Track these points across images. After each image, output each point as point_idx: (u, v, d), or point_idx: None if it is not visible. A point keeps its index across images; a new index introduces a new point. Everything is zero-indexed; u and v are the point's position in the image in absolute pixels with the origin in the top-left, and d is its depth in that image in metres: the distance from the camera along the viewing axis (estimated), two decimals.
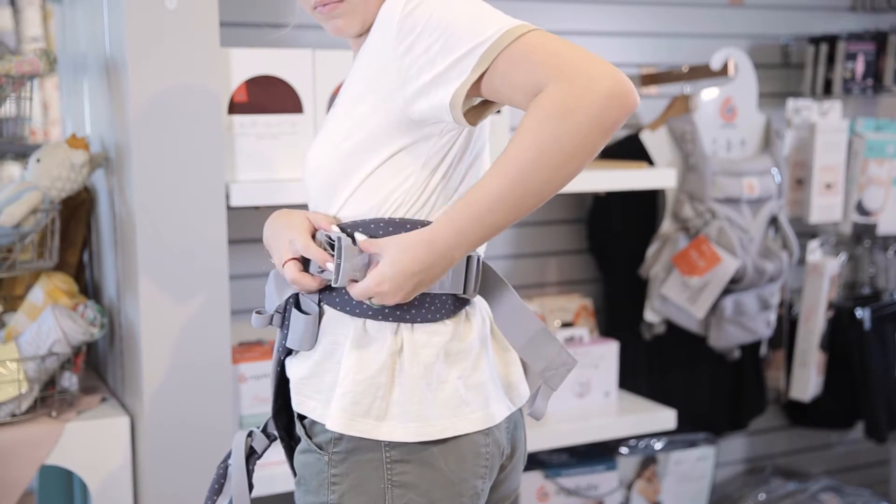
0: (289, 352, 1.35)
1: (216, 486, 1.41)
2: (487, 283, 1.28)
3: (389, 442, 1.22)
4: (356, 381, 1.22)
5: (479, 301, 1.31)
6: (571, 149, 1.09)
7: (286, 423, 1.40)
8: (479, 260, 1.26)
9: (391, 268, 1.17)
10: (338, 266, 1.20)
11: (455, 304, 1.26)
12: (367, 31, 1.27)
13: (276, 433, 1.40)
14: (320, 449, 1.26)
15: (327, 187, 1.27)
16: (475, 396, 1.26)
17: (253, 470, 1.40)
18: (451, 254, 1.16)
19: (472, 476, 1.26)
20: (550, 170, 1.11)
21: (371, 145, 1.22)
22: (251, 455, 1.40)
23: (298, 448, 1.31)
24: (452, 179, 1.25)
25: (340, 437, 1.23)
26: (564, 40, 1.11)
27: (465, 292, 1.25)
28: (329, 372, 1.27)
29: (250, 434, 1.40)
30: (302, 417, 1.31)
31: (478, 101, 1.21)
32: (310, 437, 1.28)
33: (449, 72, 1.14)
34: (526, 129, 1.10)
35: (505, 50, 1.11)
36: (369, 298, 1.19)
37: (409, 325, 1.23)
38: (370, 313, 1.23)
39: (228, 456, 1.42)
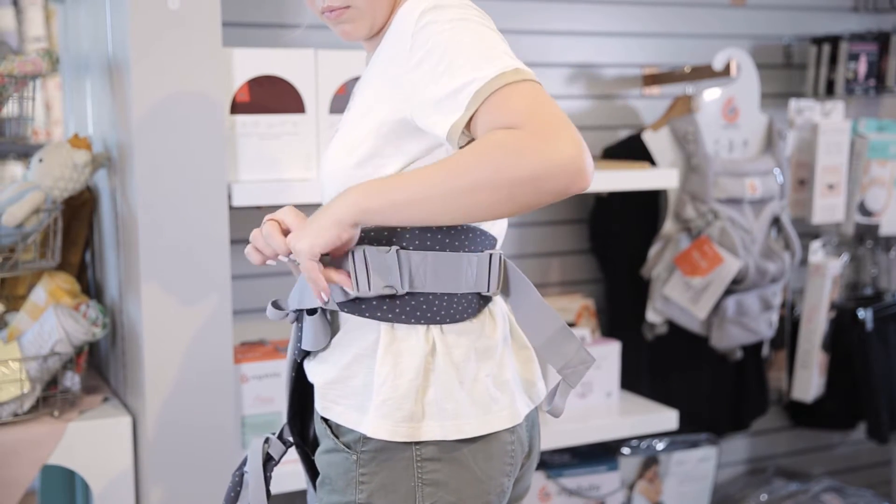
0: (305, 355, 1.34)
1: (232, 495, 1.40)
2: (509, 281, 1.29)
3: (420, 440, 1.22)
4: (395, 386, 1.21)
5: (498, 299, 1.31)
6: (505, 188, 1.09)
7: (300, 427, 1.40)
8: (500, 258, 1.27)
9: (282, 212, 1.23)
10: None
11: (479, 303, 1.27)
12: (380, 32, 1.28)
13: (291, 439, 1.39)
14: (348, 448, 1.25)
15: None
16: (503, 394, 1.27)
17: (270, 477, 1.39)
18: (334, 209, 1.16)
19: (499, 474, 1.27)
20: (470, 188, 1.11)
21: (387, 152, 1.22)
22: (268, 461, 1.39)
23: (322, 448, 1.30)
24: None
25: (370, 437, 1.23)
26: (552, 101, 1.12)
27: (487, 290, 1.26)
28: (356, 376, 1.26)
29: (266, 440, 1.39)
30: (326, 418, 1.30)
31: None
32: (336, 437, 1.27)
33: (446, 101, 1.14)
34: (476, 144, 1.11)
35: (496, 92, 1.11)
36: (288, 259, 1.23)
37: (438, 326, 1.24)
38: (402, 318, 1.22)
39: (244, 463, 1.41)
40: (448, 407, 1.22)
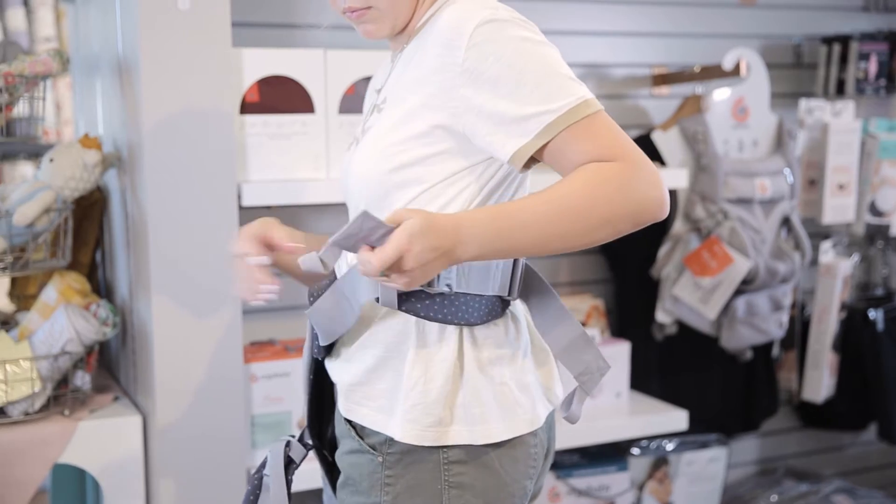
0: (326, 353, 1.33)
1: (251, 498, 1.39)
2: (530, 286, 1.30)
3: (448, 444, 1.22)
4: (426, 391, 1.21)
5: (518, 303, 1.31)
6: (613, 222, 1.14)
7: (318, 428, 1.40)
8: (523, 264, 1.28)
9: (416, 237, 1.07)
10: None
11: (501, 307, 1.27)
12: (405, 30, 1.27)
13: (311, 442, 1.39)
14: (373, 450, 1.24)
15: (378, 199, 1.25)
16: (525, 397, 1.27)
17: (291, 480, 1.38)
18: (458, 253, 1.11)
19: (523, 476, 1.27)
20: (584, 224, 1.13)
21: (429, 161, 1.21)
22: (289, 465, 1.39)
23: (345, 448, 1.29)
24: (505, 196, 1.26)
25: (397, 440, 1.23)
26: (625, 135, 1.16)
27: (509, 295, 1.26)
28: (383, 379, 1.25)
29: (287, 443, 1.39)
30: (350, 419, 1.29)
31: None
32: (361, 438, 1.26)
33: (512, 125, 1.15)
34: (586, 178, 1.13)
35: (575, 124, 1.13)
36: (385, 276, 1.09)
37: (468, 328, 1.23)
38: (434, 316, 1.21)
39: (263, 466, 1.40)
40: (476, 411, 1.22)
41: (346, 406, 1.28)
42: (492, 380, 1.24)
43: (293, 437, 1.40)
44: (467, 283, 1.21)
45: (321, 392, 1.38)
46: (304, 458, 1.39)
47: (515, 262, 1.26)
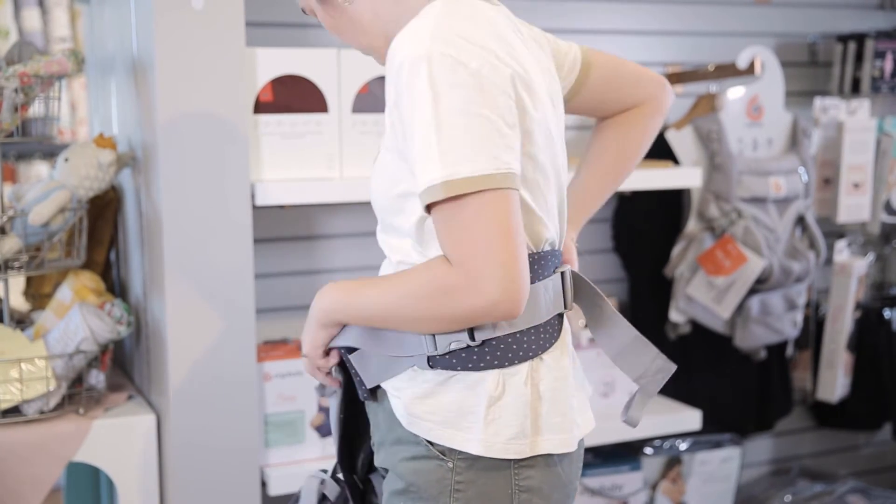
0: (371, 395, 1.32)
1: None
2: (581, 294, 1.30)
3: (518, 458, 1.21)
4: (503, 404, 1.20)
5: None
6: (443, 321, 1.15)
7: (349, 460, 1.39)
8: (571, 273, 1.28)
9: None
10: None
11: (559, 323, 1.27)
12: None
13: (343, 477, 1.39)
14: (443, 455, 1.22)
15: (391, 215, 1.25)
16: (581, 401, 1.29)
17: None
18: (318, 316, 1.27)
19: (576, 477, 1.29)
20: (410, 319, 1.17)
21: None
22: (322, 501, 1.39)
23: (405, 455, 1.25)
24: None
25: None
26: (498, 221, 1.09)
27: (565, 307, 1.27)
28: (450, 391, 1.22)
29: (322, 481, 1.39)
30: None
31: None
32: (430, 443, 1.22)
33: (415, 177, 1.13)
34: (422, 279, 1.15)
35: (444, 203, 1.09)
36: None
37: (532, 360, 1.22)
38: (495, 363, 1.20)
39: (296, 501, 1.40)
40: (555, 420, 1.22)
41: (409, 420, 1.24)
42: (565, 388, 1.24)
43: (325, 471, 1.40)
44: (516, 323, 1.20)
45: (351, 418, 1.37)
46: (338, 495, 1.39)
47: (563, 275, 1.26)
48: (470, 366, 1.20)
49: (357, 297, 1.22)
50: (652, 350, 1.28)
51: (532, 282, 1.21)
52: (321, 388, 1.39)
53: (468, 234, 1.09)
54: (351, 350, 1.28)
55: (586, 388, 1.33)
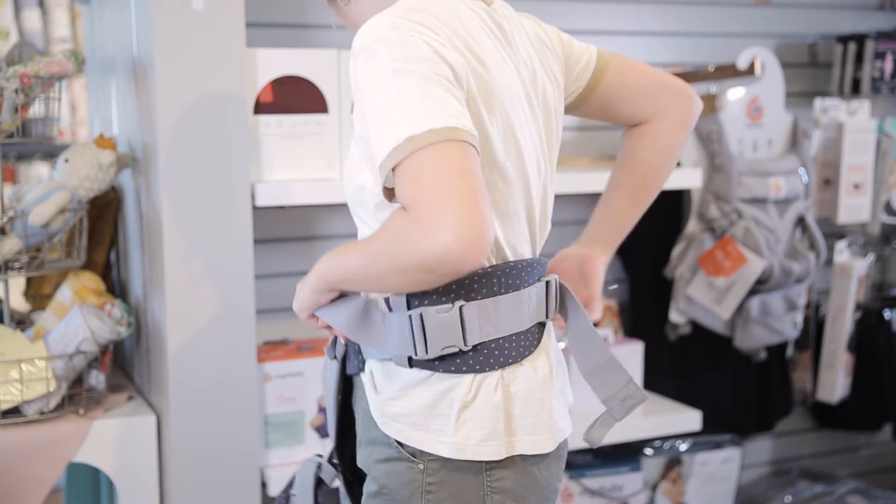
0: (355, 371, 1.32)
1: None
2: (565, 306, 1.31)
3: (490, 461, 1.21)
4: (475, 406, 1.20)
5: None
6: (408, 272, 1.08)
7: (342, 449, 1.39)
8: (556, 282, 1.28)
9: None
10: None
11: (539, 330, 1.27)
12: None
13: (338, 463, 1.38)
14: (413, 457, 1.22)
15: (356, 216, 1.28)
16: (561, 404, 1.28)
17: (321, 501, 1.38)
18: (312, 282, 1.24)
19: (556, 479, 1.28)
20: (376, 272, 1.13)
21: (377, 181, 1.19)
22: (319, 485, 1.38)
23: (379, 456, 1.25)
24: None
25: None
26: (452, 166, 1.05)
27: (547, 316, 1.27)
28: (424, 393, 1.22)
29: (319, 465, 1.38)
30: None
31: None
32: (400, 445, 1.23)
33: (373, 157, 1.11)
34: (380, 233, 1.12)
35: (399, 165, 1.07)
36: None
37: (509, 367, 1.22)
38: (475, 369, 1.20)
39: (290, 485, 1.40)
40: (528, 422, 1.22)
41: (382, 420, 1.24)
42: (548, 389, 1.24)
43: (321, 456, 1.40)
44: (501, 328, 1.20)
45: (345, 409, 1.37)
46: (334, 478, 1.38)
47: (548, 284, 1.26)
48: (453, 368, 1.19)
49: (342, 260, 1.19)
50: (624, 376, 1.27)
51: (518, 290, 1.21)
52: (332, 348, 1.34)
53: (423, 179, 1.05)
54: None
55: (568, 395, 1.32)
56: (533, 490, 1.24)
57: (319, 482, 1.38)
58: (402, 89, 1.08)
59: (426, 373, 1.20)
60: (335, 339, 1.33)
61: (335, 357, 1.34)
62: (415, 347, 1.19)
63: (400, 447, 1.22)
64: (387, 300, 1.21)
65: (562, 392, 1.30)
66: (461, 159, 1.06)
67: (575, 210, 2.62)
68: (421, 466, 1.21)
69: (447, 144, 1.06)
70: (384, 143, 1.07)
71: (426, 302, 1.18)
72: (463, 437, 1.19)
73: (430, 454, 1.20)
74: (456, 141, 1.06)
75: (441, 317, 1.17)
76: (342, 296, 1.25)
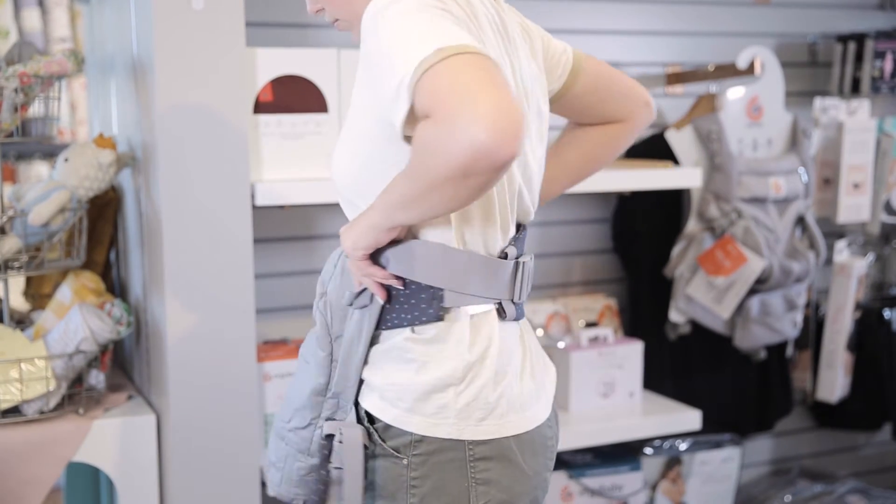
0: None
1: (315, 499, 1.32)
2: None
3: (473, 440, 1.21)
4: (452, 385, 1.21)
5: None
6: (448, 182, 1.04)
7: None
8: (522, 265, 1.27)
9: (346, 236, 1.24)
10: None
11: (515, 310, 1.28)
12: None
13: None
14: (398, 453, 1.22)
15: (350, 204, 1.28)
16: (538, 388, 1.29)
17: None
18: (375, 218, 1.19)
19: (543, 469, 1.28)
20: (425, 195, 1.08)
21: (387, 153, 1.19)
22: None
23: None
24: None
25: (421, 440, 1.21)
26: (472, 69, 1.03)
27: (520, 298, 1.28)
28: (402, 371, 1.22)
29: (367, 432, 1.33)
30: (372, 421, 1.25)
31: None
32: (383, 441, 1.23)
33: (395, 101, 1.09)
34: (413, 149, 1.08)
35: (420, 79, 1.05)
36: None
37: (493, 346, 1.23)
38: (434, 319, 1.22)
39: (326, 458, 1.31)
40: (501, 403, 1.22)
41: (370, 402, 1.24)
42: (517, 371, 1.25)
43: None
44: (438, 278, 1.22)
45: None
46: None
47: (517, 265, 1.26)
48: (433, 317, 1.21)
49: (392, 190, 1.15)
50: None
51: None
52: (352, 296, 1.27)
53: (443, 82, 1.02)
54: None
55: (543, 382, 1.31)
56: (518, 480, 1.24)
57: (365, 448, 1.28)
58: (430, 18, 1.09)
59: (420, 350, 1.23)
60: (363, 290, 1.27)
61: (351, 303, 1.27)
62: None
63: (384, 444, 1.23)
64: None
65: (533, 377, 1.29)
66: (485, 61, 1.04)
67: (575, 210, 2.62)
68: (405, 462, 1.22)
69: (472, 55, 1.03)
70: (412, 57, 1.05)
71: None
72: (442, 417, 1.21)
73: (413, 447, 1.21)
74: (482, 54, 1.05)
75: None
76: (396, 243, 1.22)
